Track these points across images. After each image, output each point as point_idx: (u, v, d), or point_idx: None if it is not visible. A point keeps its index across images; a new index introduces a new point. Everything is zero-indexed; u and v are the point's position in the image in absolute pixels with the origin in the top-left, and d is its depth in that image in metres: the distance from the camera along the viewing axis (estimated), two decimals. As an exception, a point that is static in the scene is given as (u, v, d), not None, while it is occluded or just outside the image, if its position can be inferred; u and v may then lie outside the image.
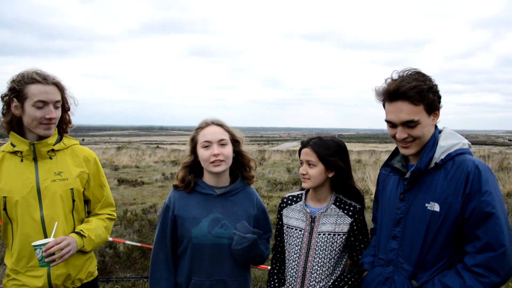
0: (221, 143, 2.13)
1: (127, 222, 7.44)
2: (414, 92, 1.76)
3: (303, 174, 2.13)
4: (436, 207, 1.80)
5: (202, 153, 2.13)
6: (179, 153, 26.44)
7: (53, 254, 1.97)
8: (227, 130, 2.19)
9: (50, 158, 2.17)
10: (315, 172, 2.09)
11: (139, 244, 5.72)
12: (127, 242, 5.93)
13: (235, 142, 2.22)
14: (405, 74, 1.83)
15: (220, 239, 2.11)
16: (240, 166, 2.27)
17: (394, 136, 1.89)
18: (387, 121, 1.88)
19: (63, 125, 2.28)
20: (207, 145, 2.12)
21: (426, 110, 1.80)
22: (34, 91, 2.03)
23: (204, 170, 2.21)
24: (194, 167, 2.24)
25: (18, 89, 2.04)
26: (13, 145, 2.13)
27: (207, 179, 2.22)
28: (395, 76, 1.84)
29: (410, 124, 1.80)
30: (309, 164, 2.11)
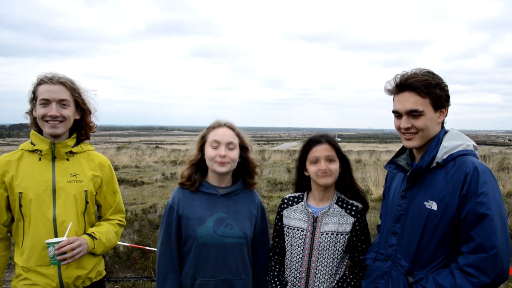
0: (230, 147, 2.16)
1: (127, 222, 7.43)
2: (421, 84, 1.84)
3: (324, 171, 2.09)
4: (434, 206, 1.83)
5: (210, 151, 2.15)
6: (179, 153, 26.43)
7: (65, 253, 2.02)
8: (237, 134, 2.22)
9: (67, 159, 2.23)
10: (335, 167, 2.11)
11: (127, 244, 5.68)
12: (122, 243, 5.87)
13: (243, 148, 2.24)
14: (414, 71, 1.91)
15: (225, 238, 2.12)
16: (244, 171, 2.28)
17: (399, 128, 1.95)
18: (394, 111, 1.95)
19: (82, 130, 2.31)
20: (216, 145, 2.14)
21: (432, 104, 1.87)
22: (40, 90, 2.15)
23: (209, 170, 2.22)
24: (199, 166, 2.25)
25: (33, 91, 2.19)
26: (33, 144, 2.20)
27: (211, 179, 2.23)
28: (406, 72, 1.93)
29: (414, 113, 1.86)
30: (329, 160, 2.10)
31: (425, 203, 1.86)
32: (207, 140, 2.18)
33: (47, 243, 2.01)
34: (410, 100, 1.86)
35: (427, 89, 1.84)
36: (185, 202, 2.18)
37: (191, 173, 2.22)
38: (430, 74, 1.89)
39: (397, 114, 1.94)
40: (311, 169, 2.13)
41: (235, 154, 2.17)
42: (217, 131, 2.18)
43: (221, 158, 2.12)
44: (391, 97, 1.99)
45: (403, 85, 1.88)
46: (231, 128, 2.21)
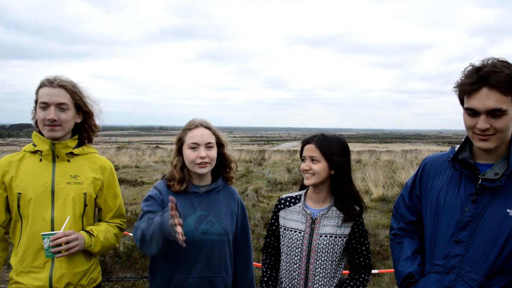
0: (208, 146, 2.16)
1: (128, 222, 7.44)
2: (505, 79, 1.61)
3: (306, 170, 2.10)
4: None
5: (189, 154, 2.14)
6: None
7: (60, 245, 1.99)
8: (214, 133, 2.22)
9: (68, 161, 2.22)
10: (318, 167, 2.07)
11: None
12: (131, 234, 6.00)
13: (220, 145, 2.25)
14: (490, 62, 1.67)
15: (207, 235, 2.12)
16: (221, 167, 2.30)
17: (472, 128, 1.72)
18: (467, 109, 1.70)
19: (85, 133, 2.30)
20: (195, 146, 2.13)
21: None
22: (41, 94, 2.16)
23: (189, 170, 2.21)
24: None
25: (36, 94, 2.20)
26: (34, 145, 2.20)
27: (191, 178, 2.23)
28: (478, 64, 1.69)
29: (496, 113, 1.63)
30: (312, 160, 2.09)
31: (508, 210, 1.69)
32: (185, 143, 2.17)
33: (43, 235, 2.00)
34: (493, 98, 1.61)
35: (511, 85, 1.61)
36: (169, 195, 2.14)
37: (183, 176, 2.19)
38: (510, 65, 1.65)
39: (473, 113, 1.68)
40: (301, 167, 2.17)
41: (214, 153, 2.19)
42: (194, 132, 2.17)
43: (201, 160, 2.12)
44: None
45: (483, 80, 1.63)
46: (208, 127, 2.21)
